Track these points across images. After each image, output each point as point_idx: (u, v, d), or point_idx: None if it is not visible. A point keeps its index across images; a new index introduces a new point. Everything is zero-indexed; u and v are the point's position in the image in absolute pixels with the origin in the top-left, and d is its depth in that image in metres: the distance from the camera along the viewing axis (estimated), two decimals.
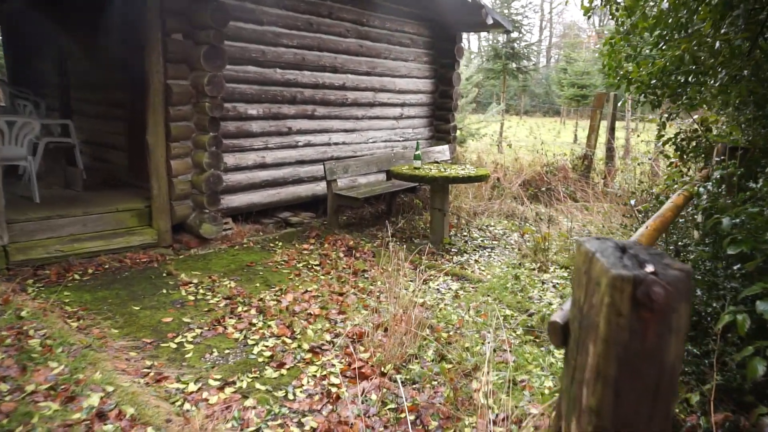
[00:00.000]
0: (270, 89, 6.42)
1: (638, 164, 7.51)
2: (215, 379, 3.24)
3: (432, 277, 5.23)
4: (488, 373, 2.91)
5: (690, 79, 3.35)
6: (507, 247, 6.40)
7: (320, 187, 7.22)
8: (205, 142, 5.52)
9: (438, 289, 4.96)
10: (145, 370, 3.28)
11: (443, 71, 8.92)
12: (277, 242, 6.18)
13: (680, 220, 3.89)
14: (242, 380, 3.24)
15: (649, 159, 7.45)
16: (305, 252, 5.87)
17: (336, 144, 7.43)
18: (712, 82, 3.44)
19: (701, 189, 3.02)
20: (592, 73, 21.75)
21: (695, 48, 2.98)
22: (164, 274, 4.96)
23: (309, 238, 6.41)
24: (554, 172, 9.16)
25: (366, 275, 5.22)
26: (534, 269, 5.47)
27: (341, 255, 5.79)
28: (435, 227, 6.32)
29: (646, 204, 4.73)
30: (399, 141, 8.51)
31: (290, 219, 6.81)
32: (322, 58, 6.98)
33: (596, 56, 23.51)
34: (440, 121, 9.13)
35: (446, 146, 8.68)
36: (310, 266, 5.41)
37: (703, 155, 4.59)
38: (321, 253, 5.83)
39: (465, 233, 6.97)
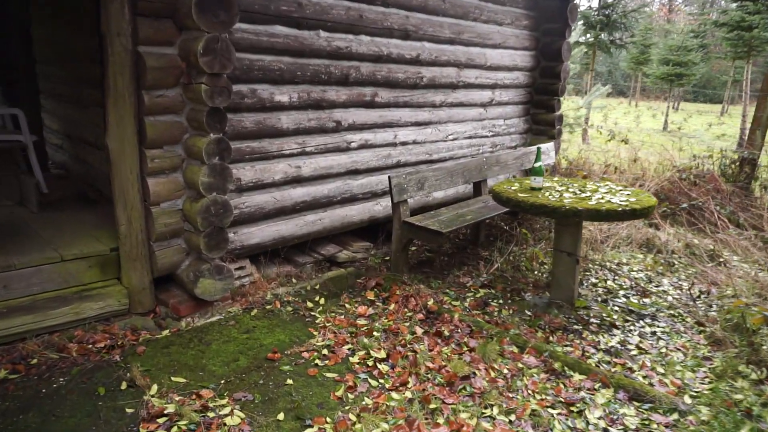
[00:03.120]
0: (310, 63, 4.19)
1: None
2: None
3: (580, 393, 2.98)
4: None
5: None
6: (673, 312, 4.07)
7: (381, 206, 5.00)
8: (202, 148, 3.36)
9: (605, 429, 2.71)
10: None
11: (547, 40, 6.47)
12: (317, 299, 4.04)
13: None
14: None
15: None
16: (362, 322, 3.70)
17: (404, 144, 5.17)
18: None
19: None
20: (689, 47, 18.54)
21: None
22: (122, 385, 2.86)
23: (366, 289, 4.24)
24: (695, 181, 6.66)
25: (469, 387, 3.01)
26: (757, 381, 3.14)
27: (418, 330, 3.60)
28: (560, 279, 4.03)
29: None
30: (487, 137, 6.17)
31: (337, 256, 4.63)
32: (387, 16, 4.69)
33: (692, 28, 20.29)
34: (540, 109, 6.71)
35: (551, 144, 6.30)
36: (371, 363, 3.23)
37: None
38: (386, 326, 3.65)
39: (595, 279, 4.67)
